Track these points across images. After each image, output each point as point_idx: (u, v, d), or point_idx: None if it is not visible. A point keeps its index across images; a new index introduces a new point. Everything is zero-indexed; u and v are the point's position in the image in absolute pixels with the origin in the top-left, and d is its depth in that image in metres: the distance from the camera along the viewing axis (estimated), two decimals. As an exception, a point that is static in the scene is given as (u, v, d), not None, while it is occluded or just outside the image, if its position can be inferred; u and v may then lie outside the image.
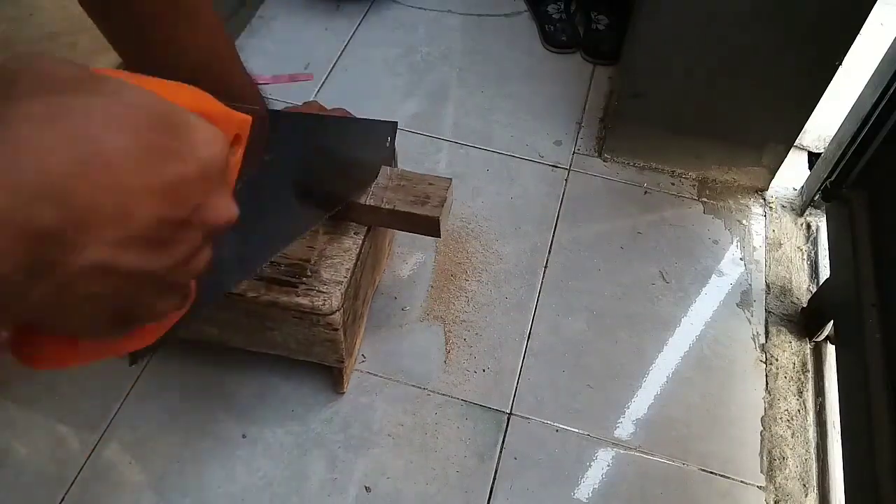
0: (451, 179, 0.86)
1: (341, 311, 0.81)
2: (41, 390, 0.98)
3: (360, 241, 0.85)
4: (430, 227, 0.85)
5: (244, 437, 0.94)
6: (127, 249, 0.28)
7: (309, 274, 0.81)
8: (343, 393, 0.98)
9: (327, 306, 0.79)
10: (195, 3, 0.57)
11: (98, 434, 0.94)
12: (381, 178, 0.86)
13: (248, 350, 0.99)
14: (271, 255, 0.79)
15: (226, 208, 0.32)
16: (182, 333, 0.92)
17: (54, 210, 0.24)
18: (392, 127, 0.86)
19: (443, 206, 0.83)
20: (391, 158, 0.89)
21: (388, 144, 0.88)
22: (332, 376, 0.99)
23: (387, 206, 0.83)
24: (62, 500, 0.89)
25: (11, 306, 0.26)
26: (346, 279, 0.81)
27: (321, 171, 0.77)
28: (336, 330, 0.82)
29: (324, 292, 0.80)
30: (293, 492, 0.90)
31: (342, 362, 0.90)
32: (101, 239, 0.27)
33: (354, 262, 0.83)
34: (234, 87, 0.61)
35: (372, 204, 0.83)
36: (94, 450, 0.93)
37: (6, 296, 0.25)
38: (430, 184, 0.86)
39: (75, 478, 0.90)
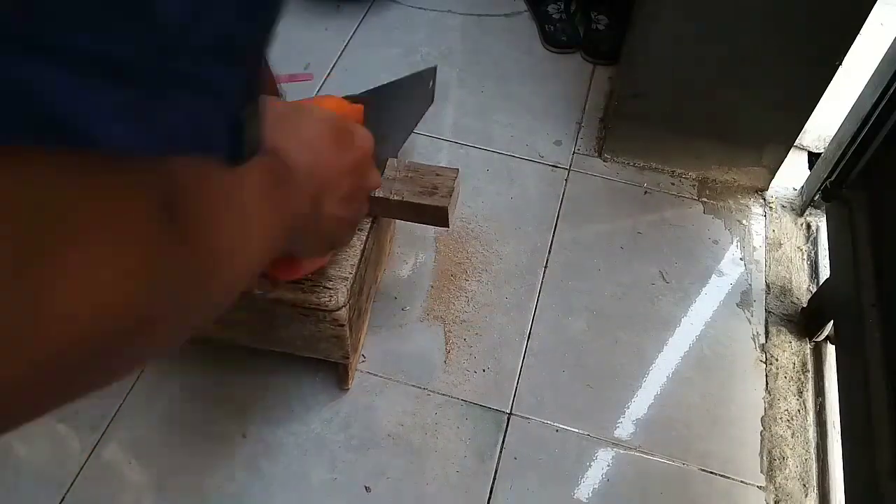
0: (458, 170, 0.86)
1: (347, 307, 0.81)
2: (41, 390, 0.97)
3: (364, 238, 0.85)
4: (438, 217, 0.85)
5: (244, 437, 0.94)
6: (341, 203, 0.49)
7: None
8: (348, 389, 0.98)
9: (333, 302, 0.79)
10: None
11: (98, 434, 0.94)
12: (389, 170, 0.86)
13: (249, 350, 0.99)
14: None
15: (376, 178, 0.55)
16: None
17: (316, 182, 0.45)
18: (433, 71, 1.01)
19: (451, 196, 0.84)
20: (432, 97, 1.05)
21: (430, 86, 0.97)
22: (334, 375, 0.99)
23: (395, 198, 0.84)
24: (62, 500, 0.89)
25: (304, 230, 0.47)
26: (351, 275, 0.81)
27: (388, 129, 0.87)
28: (342, 326, 0.82)
29: (329, 288, 0.80)
30: (293, 492, 0.90)
31: (347, 358, 0.91)
32: (329, 198, 0.47)
33: (359, 258, 0.83)
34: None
35: (380, 195, 0.84)
36: (94, 450, 0.93)
37: (304, 226, 0.45)
38: (438, 175, 0.86)
39: (75, 478, 0.90)
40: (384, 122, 0.81)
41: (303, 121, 0.47)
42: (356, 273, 0.82)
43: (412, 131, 1.02)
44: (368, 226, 0.87)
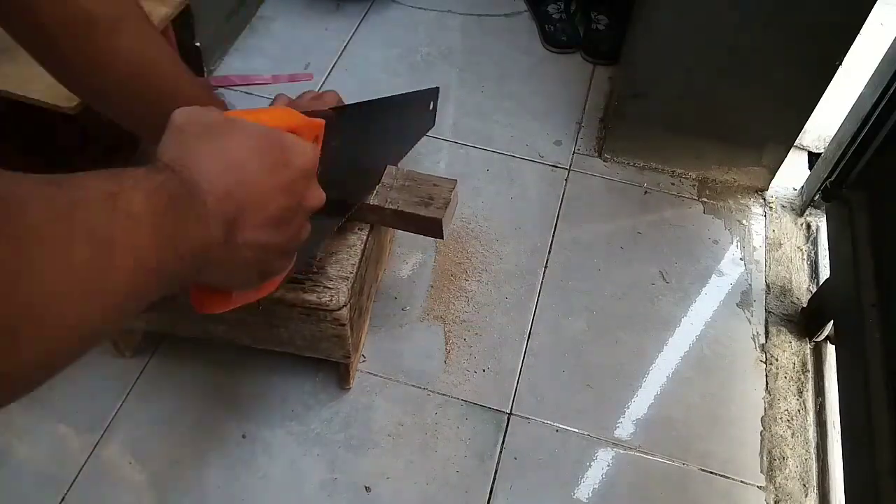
0: (455, 181, 0.86)
1: (348, 306, 0.81)
2: (41, 390, 0.97)
3: (365, 237, 0.85)
4: (432, 228, 0.84)
5: (244, 437, 0.94)
6: (265, 229, 0.43)
7: (315, 270, 0.81)
8: (349, 389, 0.98)
9: (334, 302, 0.79)
10: (114, 12, 0.55)
11: (98, 434, 0.94)
12: (387, 178, 0.85)
13: (249, 350, 0.99)
14: (348, 213, 0.82)
15: (318, 196, 0.49)
16: (189, 332, 0.92)
17: (233, 206, 0.41)
18: (435, 92, 0.95)
19: (446, 207, 0.83)
20: (433, 120, 0.98)
21: (431, 107, 0.93)
22: (334, 375, 0.99)
23: (390, 206, 0.83)
24: (62, 500, 0.89)
25: (212, 263, 0.41)
26: (352, 275, 0.81)
27: (378, 145, 0.83)
28: (343, 325, 0.82)
29: (330, 288, 0.80)
30: (293, 492, 0.90)
31: (349, 358, 0.91)
32: (252, 223, 0.42)
33: (360, 257, 0.83)
34: (182, 95, 0.61)
35: (376, 203, 0.84)
36: (94, 450, 0.93)
37: (212, 254, 0.40)
38: (435, 185, 0.85)
39: (75, 478, 0.90)
40: (373, 135, 0.79)
41: (229, 136, 0.42)
42: (357, 272, 0.82)
43: (407, 151, 0.96)
44: (368, 226, 0.87)
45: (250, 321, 0.85)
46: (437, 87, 0.94)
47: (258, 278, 0.48)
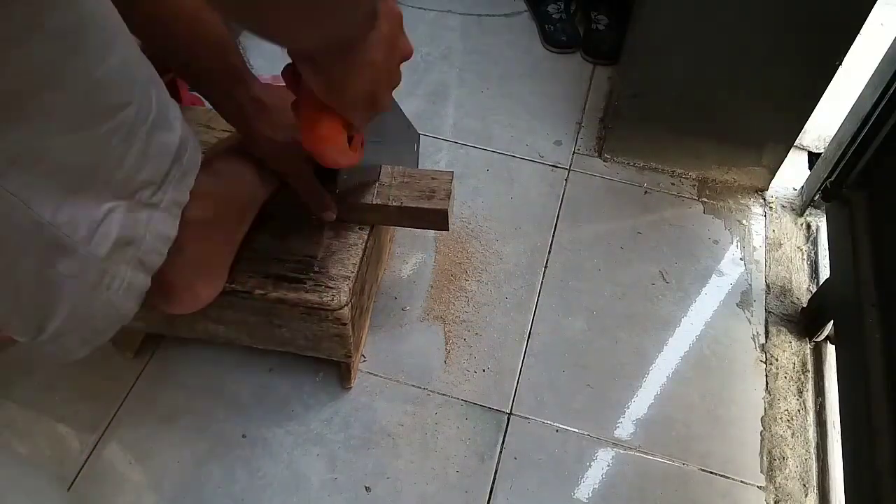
0: (452, 172, 0.87)
1: (349, 305, 0.81)
2: (41, 390, 0.98)
3: (365, 237, 0.85)
4: (438, 220, 0.85)
5: (244, 437, 0.94)
6: (388, 40, 0.55)
7: (316, 270, 0.81)
8: (350, 388, 0.98)
9: (336, 301, 0.79)
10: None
11: (98, 434, 0.94)
12: (384, 177, 0.86)
13: (249, 350, 0.99)
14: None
15: (408, 45, 0.60)
16: (190, 333, 0.92)
17: (392, 26, 0.56)
18: (417, 136, 0.93)
19: (449, 198, 0.84)
20: (416, 163, 0.93)
21: (415, 149, 0.91)
22: (334, 375, 0.99)
23: (394, 203, 0.84)
24: (62, 500, 0.89)
25: (355, 42, 0.51)
26: (353, 274, 0.81)
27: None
28: (345, 325, 0.83)
29: (332, 287, 0.80)
30: (293, 492, 0.90)
31: (350, 357, 0.91)
32: (385, 27, 0.54)
33: (360, 256, 0.83)
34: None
35: (379, 202, 0.84)
36: (94, 450, 0.93)
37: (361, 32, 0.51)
38: (433, 178, 0.86)
39: (75, 478, 0.90)
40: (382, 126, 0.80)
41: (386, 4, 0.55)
42: (358, 272, 0.82)
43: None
44: (369, 226, 0.87)
45: (252, 322, 0.85)
46: (419, 135, 0.93)
47: (368, 101, 0.57)
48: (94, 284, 0.57)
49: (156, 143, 0.58)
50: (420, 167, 0.90)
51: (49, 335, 0.57)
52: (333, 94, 0.55)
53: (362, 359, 1.01)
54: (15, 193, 0.49)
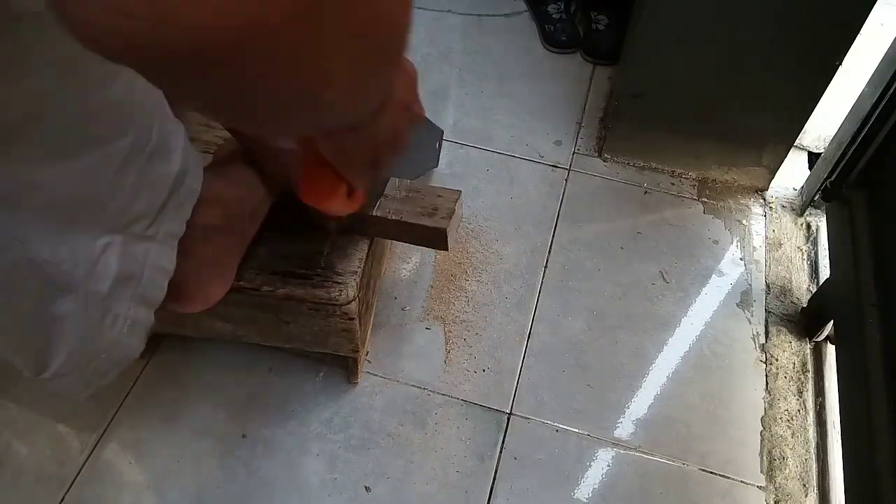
0: (460, 192, 0.85)
1: (357, 300, 0.81)
2: (41, 390, 0.98)
3: None
4: (437, 239, 0.83)
5: (244, 437, 0.94)
6: (400, 108, 0.48)
7: (322, 265, 0.81)
8: (356, 383, 0.98)
9: (343, 296, 0.79)
10: None
11: (98, 434, 0.94)
12: (390, 189, 0.84)
13: (249, 350, 0.99)
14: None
15: (421, 108, 0.55)
16: (197, 332, 0.92)
17: (406, 92, 0.49)
18: (440, 132, 0.92)
19: (451, 217, 0.82)
20: (436, 160, 0.92)
21: (437, 146, 0.90)
22: (334, 375, 0.99)
23: (394, 217, 0.82)
24: (62, 500, 0.89)
25: (370, 115, 0.44)
26: (359, 269, 0.81)
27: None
28: (352, 320, 0.83)
29: (339, 283, 0.80)
30: (293, 492, 0.90)
31: (357, 352, 0.91)
32: (398, 98, 0.47)
33: (366, 252, 0.83)
34: None
35: (379, 215, 0.83)
36: (94, 450, 0.93)
37: (374, 104, 0.43)
38: (440, 196, 0.84)
39: (75, 478, 0.90)
40: None
41: (405, 64, 0.51)
42: (364, 267, 0.83)
43: (409, 176, 0.92)
44: None
45: (259, 318, 0.85)
46: (443, 131, 0.92)
47: (371, 161, 0.53)
48: (96, 323, 0.56)
49: (153, 174, 0.56)
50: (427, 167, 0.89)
51: (51, 373, 0.56)
52: (336, 159, 0.52)
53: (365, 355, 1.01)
54: (9, 231, 0.48)
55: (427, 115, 1.09)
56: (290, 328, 0.86)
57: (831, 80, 1.06)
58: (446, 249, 0.85)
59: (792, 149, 1.19)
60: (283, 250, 0.82)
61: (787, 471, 0.95)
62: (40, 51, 0.43)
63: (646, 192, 1.25)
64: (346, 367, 0.99)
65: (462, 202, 0.85)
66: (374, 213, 0.83)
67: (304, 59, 0.27)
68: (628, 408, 0.99)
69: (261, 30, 0.24)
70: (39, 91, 0.45)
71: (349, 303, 0.80)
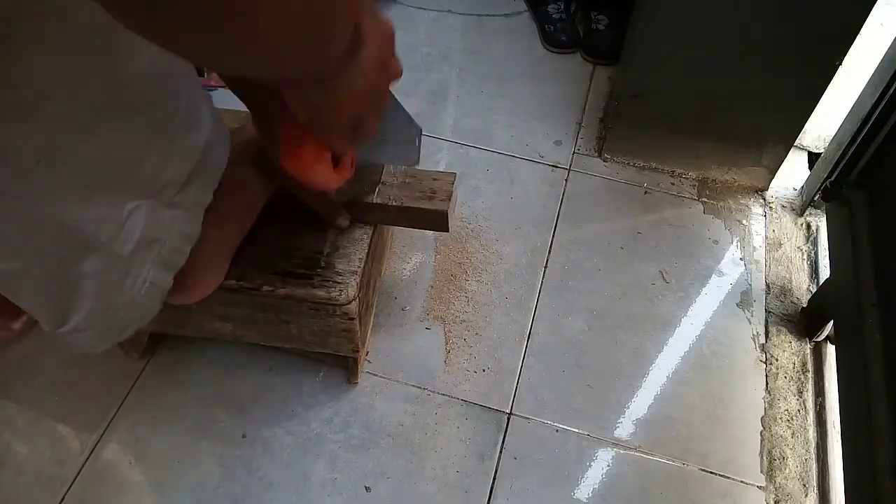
0: (454, 174, 0.87)
1: (357, 300, 0.81)
2: (41, 390, 0.98)
3: (371, 232, 0.86)
4: (438, 221, 0.85)
5: (244, 437, 0.94)
6: (375, 64, 0.48)
7: (323, 265, 0.81)
8: (356, 384, 0.98)
9: (344, 296, 0.80)
10: None
11: (98, 434, 0.94)
12: (387, 177, 0.86)
13: (249, 349, 0.99)
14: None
15: (398, 66, 0.54)
16: (198, 332, 0.92)
17: (364, 36, 0.45)
18: (419, 130, 0.91)
19: (449, 199, 0.84)
20: (417, 158, 0.92)
21: (416, 144, 0.89)
22: (334, 375, 0.99)
23: (394, 203, 0.84)
24: (62, 500, 0.89)
25: (335, 73, 0.44)
26: (359, 269, 0.82)
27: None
28: (352, 319, 0.83)
29: (339, 283, 0.80)
30: (293, 492, 0.90)
31: (357, 352, 0.91)
32: (369, 54, 0.46)
33: (366, 251, 0.83)
34: None
35: (379, 202, 0.84)
36: (94, 450, 0.93)
37: (341, 62, 0.44)
38: (435, 179, 0.86)
39: (75, 478, 0.90)
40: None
41: (380, 24, 0.50)
42: (364, 267, 0.83)
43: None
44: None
45: (259, 318, 0.85)
46: (421, 129, 0.93)
47: (351, 125, 0.52)
48: (117, 282, 0.58)
49: (182, 143, 0.58)
50: (420, 165, 0.90)
51: (71, 327, 0.57)
52: (313, 121, 0.51)
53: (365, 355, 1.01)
54: (40, 192, 0.49)
55: (426, 115, 1.09)
56: (291, 328, 0.86)
57: (831, 80, 1.06)
58: (447, 231, 0.87)
59: (792, 149, 1.19)
60: (283, 250, 0.83)
61: (787, 471, 0.95)
62: (75, 21, 0.44)
63: (646, 192, 1.25)
64: (346, 367, 0.99)
65: (457, 183, 0.87)
66: (374, 201, 0.84)
67: None
68: (628, 408, 0.99)
69: None
70: (73, 59, 0.46)
71: (349, 303, 0.80)
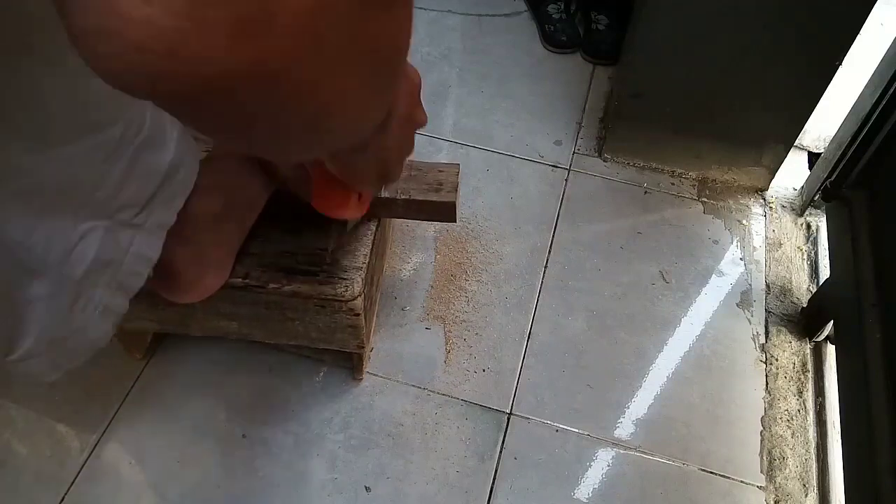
0: (458, 164, 0.88)
1: (362, 296, 0.82)
2: (41, 390, 0.98)
3: (374, 228, 0.86)
4: (446, 212, 0.86)
5: (244, 437, 0.94)
6: (403, 120, 0.49)
7: (328, 262, 0.82)
8: (361, 379, 0.99)
9: (349, 292, 0.80)
10: None
11: (98, 434, 0.94)
12: None
13: (249, 350, 0.99)
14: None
15: (423, 113, 0.54)
16: (202, 331, 0.92)
17: (409, 102, 0.50)
18: None
19: (456, 190, 0.85)
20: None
21: None
22: (335, 375, 0.99)
23: (402, 197, 0.84)
24: (62, 500, 0.89)
25: (376, 135, 0.46)
26: (364, 265, 0.82)
27: None
28: (358, 315, 0.83)
29: (345, 279, 0.80)
30: (293, 492, 0.90)
31: (362, 347, 0.92)
32: (399, 112, 0.48)
33: (370, 247, 0.84)
34: None
35: (387, 196, 0.84)
36: (94, 450, 0.93)
37: (378, 125, 0.42)
38: (440, 171, 0.87)
39: (75, 478, 0.90)
40: None
41: (408, 71, 0.51)
42: (368, 262, 0.83)
43: None
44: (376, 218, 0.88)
45: (265, 316, 0.86)
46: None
47: (380, 176, 0.54)
48: (67, 307, 0.55)
49: (143, 164, 0.56)
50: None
51: (18, 355, 0.54)
52: (347, 176, 0.54)
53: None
54: None
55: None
56: (296, 325, 0.86)
57: (831, 80, 1.06)
58: (455, 221, 0.88)
59: (792, 149, 1.19)
60: (288, 247, 0.83)
61: (787, 471, 0.95)
62: (33, 40, 0.42)
63: (646, 192, 1.25)
64: (346, 367, 0.99)
65: (460, 174, 0.89)
66: (382, 196, 0.84)
67: (310, 89, 0.27)
68: (628, 408, 0.99)
69: (267, 64, 0.24)
70: (30, 78, 0.44)
71: (355, 298, 0.81)
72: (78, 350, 0.60)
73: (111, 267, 0.57)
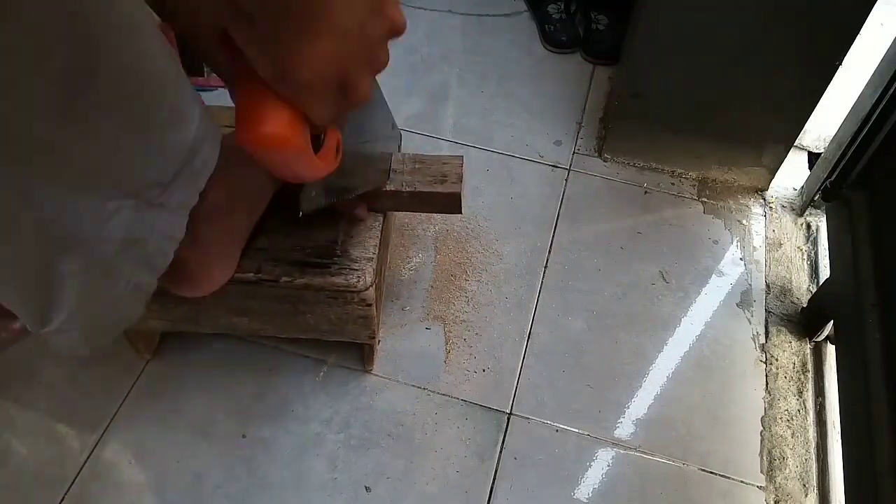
0: (462, 156, 0.88)
1: (374, 286, 0.82)
2: (41, 390, 0.98)
3: (381, 219, 0.87)
4: (452, 204, 0.86)
5: (244, 436, 0.94)
6: (369, 8, 0.41)
7: (338, 253, 0.82)
8: (371, 370, 0.99)
9: (361, 283, 0.80)
10: None
11: (98, 434, 0.94)
12: (395, 164, 0.87)
13: (249, 349, 0.99)
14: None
15: (399, 13, 0.44)
16: (213, 328, 0.92)
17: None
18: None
19: (461, 181, 0.86)
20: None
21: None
22: (335, 375, 0.99)
23: (407, 189, 0.85)
24: (62, 500, 0.89)
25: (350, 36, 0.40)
26: (374, 255, 0.82)
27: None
28: (370, 306, 0.84)
29: (356, 269, 0.81)
30: (293, 492, 0.90)
31: (374, 338, 0.92)
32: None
33: (379, 238, 0.84)
34: None
35: (392, 189, 0.85)
36: (94, 450, 0.93)
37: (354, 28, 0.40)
38: (445, 163, 0.87)
39: (75, 478, 0.90)
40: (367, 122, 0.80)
41: None
42: (378, 253, 0.84)
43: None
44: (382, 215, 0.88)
45: (276, 310, 0.86)
46: (401, 134, 0.92)
47: (335, 86, 0.43)
48: (99, 284, 0.57)
49: (166, 142, 0.56)
50: None
51: (55, 328, 0.57)
52: (281, 75, 0.40)
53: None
54: (20, 189, 0.48)
55: (426, 115, 1.09)
56: (308, 318, 0.87)
57: (831, 80, 1.06)
58: (460, 212, 0.88)
59: (792, 149, 1.19)
60: (297, 241, 0.83)
61: (787, 471, 0.95)
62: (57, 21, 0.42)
63: (646, 192, 1.25)
64: (347, 367, 0.99)
65: (465, 166, 0.89)
66: (388, 189, 0.85)
67: None
68: (628, 408, 0.99)
69: None
70: (55, 45, 0.43)
71: (367, 289, 0.81)
72: (109, 326, 0.62)
73: (139, 245, 0.58)
